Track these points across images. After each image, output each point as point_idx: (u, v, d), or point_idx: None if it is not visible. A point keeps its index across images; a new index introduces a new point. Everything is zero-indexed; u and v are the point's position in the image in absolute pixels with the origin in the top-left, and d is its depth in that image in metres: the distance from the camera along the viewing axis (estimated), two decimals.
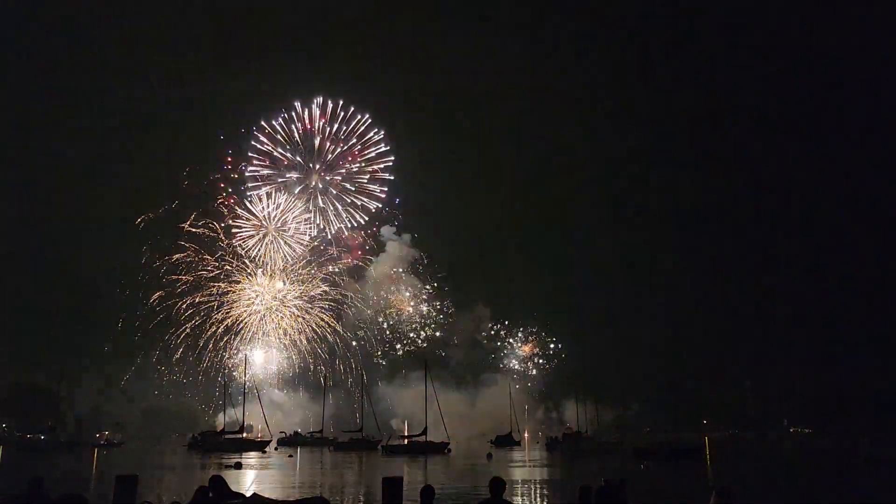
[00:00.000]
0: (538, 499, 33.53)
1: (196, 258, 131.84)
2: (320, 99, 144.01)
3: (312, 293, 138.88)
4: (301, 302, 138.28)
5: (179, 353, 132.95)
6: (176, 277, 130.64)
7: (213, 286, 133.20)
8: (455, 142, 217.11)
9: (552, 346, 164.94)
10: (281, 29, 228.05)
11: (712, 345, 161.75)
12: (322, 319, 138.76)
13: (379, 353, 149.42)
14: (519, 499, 31.40)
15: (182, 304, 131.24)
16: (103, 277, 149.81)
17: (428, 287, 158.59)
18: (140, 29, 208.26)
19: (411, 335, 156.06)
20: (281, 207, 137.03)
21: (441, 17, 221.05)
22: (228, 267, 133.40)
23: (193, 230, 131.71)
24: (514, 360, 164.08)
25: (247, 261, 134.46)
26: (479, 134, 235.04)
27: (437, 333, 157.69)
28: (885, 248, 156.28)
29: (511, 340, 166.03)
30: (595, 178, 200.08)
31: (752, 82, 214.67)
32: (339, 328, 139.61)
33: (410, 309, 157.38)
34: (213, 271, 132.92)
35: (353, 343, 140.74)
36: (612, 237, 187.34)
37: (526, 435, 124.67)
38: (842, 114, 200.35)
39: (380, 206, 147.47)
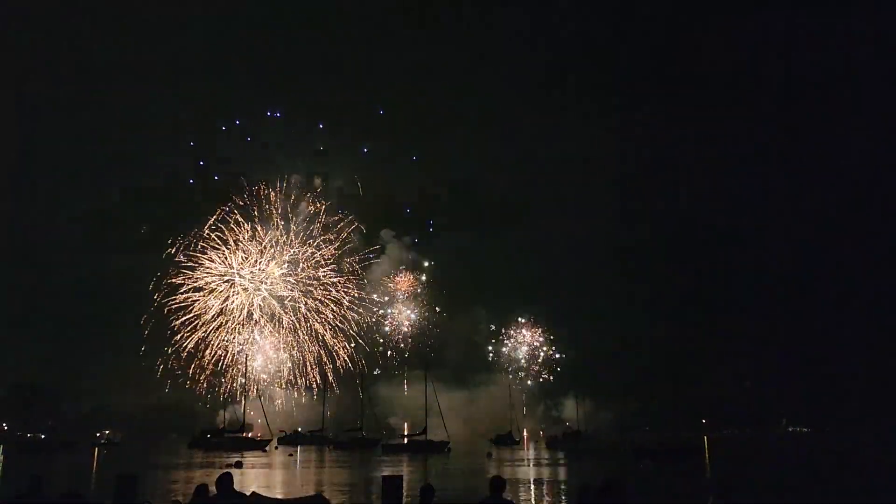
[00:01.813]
0: (538, 497, 33.54)
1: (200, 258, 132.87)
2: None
3: (314, 294, 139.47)
4: (303, 305, 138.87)
5: (180, 350, 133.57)
6: (179, 280, 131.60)
7: (217, 282, 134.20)
8: (453, 139, 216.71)
9: (551, 345, 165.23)
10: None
11: (711, 343, 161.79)
12: (323, 319, 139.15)
13: (379, 350, 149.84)
14: (519, 497, 31.41)
15: (184, 303, 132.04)
16: (104, 275, 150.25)
17: (427, 287, 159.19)
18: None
19: (410, 336, 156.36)
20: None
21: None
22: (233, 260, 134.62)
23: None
24: (512, 361, 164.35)
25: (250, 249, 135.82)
26: (478, 132, 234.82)
27: (436, 331, 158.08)
28: (886, 244, 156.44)
29: (508, 342, 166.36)
30: (595, 175, 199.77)
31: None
32: (339, 327, 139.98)
33: (409, 311, 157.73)
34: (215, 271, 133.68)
35: (353, 343, 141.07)
36: (611, 233, 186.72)
37: (525, 434, 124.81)
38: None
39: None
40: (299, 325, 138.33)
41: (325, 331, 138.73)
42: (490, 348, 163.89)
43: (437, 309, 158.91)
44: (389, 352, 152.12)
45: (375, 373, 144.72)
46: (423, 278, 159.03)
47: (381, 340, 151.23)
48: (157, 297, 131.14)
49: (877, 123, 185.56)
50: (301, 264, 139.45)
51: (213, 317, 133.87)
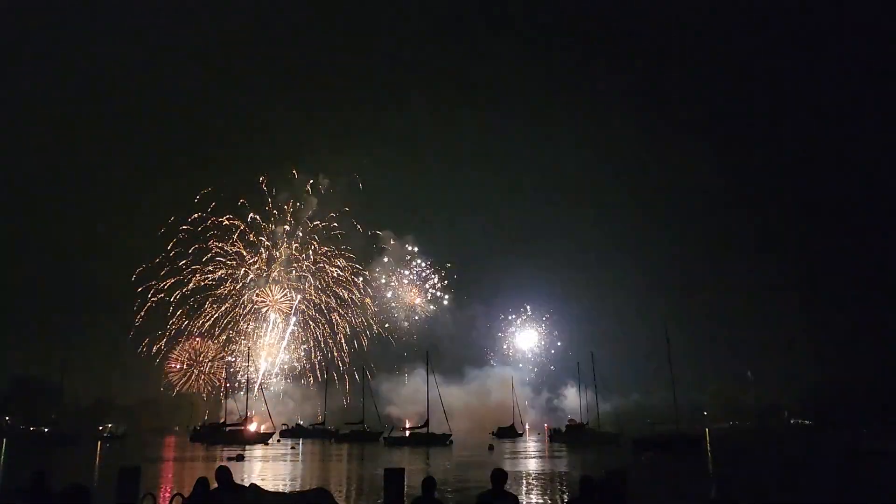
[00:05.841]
0: (539, 490, 33.62)
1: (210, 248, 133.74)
2: None
3: (318, 290, 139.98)
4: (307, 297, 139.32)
5: (183, 343, 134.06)
6: (183, 276, 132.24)
7: (222, 275, 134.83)
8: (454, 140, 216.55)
9: (552, 339, 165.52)
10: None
11: (713, 336, 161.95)
12: (326, 314, 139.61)
13: (382, 343, 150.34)
14: (520, 490, 31.50)
15: (188, 296, 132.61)
16: (105, 270, 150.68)
17: (429, 284, 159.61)
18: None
19: (412, 329, 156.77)
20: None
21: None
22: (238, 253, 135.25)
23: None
24: (513, 353, 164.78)
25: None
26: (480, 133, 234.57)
27: (436, 329, 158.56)
28: (887, 240, 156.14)
29: (510, 334, 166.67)
30: (593, 167, 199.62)
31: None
32: (341, 322, 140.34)
33: (413, 305, 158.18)
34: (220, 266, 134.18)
35: (354, 338, 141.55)
36: (610, 225, 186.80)
37: (527, 426, 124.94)
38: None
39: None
40: (303, 320, 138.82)
41: (328, 326, 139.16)
42: (492, 340, 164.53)
43: (439, 300, 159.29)
44: (392, 345, 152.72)
45: (377, 366, 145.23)
46: (427, 277, 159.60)
47: (384, 334, 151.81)
48: (161, 290, 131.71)
49: None
50: (304, 262, 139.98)
51: (218, 310, 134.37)
